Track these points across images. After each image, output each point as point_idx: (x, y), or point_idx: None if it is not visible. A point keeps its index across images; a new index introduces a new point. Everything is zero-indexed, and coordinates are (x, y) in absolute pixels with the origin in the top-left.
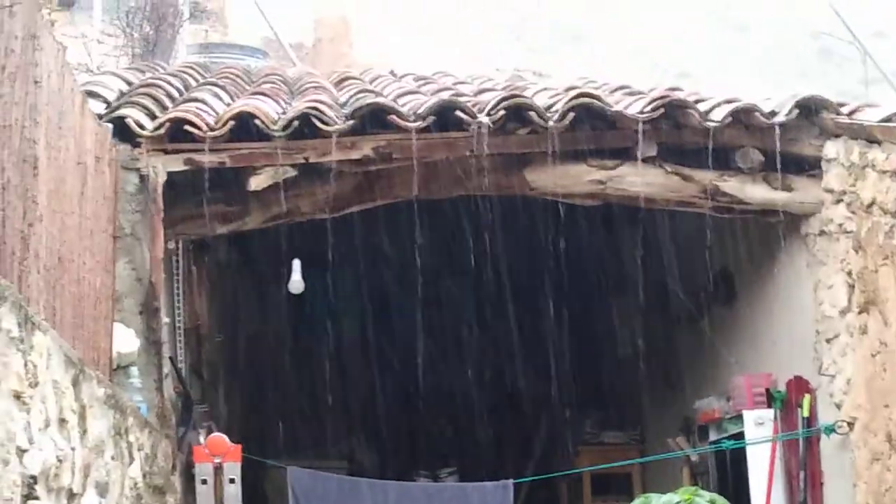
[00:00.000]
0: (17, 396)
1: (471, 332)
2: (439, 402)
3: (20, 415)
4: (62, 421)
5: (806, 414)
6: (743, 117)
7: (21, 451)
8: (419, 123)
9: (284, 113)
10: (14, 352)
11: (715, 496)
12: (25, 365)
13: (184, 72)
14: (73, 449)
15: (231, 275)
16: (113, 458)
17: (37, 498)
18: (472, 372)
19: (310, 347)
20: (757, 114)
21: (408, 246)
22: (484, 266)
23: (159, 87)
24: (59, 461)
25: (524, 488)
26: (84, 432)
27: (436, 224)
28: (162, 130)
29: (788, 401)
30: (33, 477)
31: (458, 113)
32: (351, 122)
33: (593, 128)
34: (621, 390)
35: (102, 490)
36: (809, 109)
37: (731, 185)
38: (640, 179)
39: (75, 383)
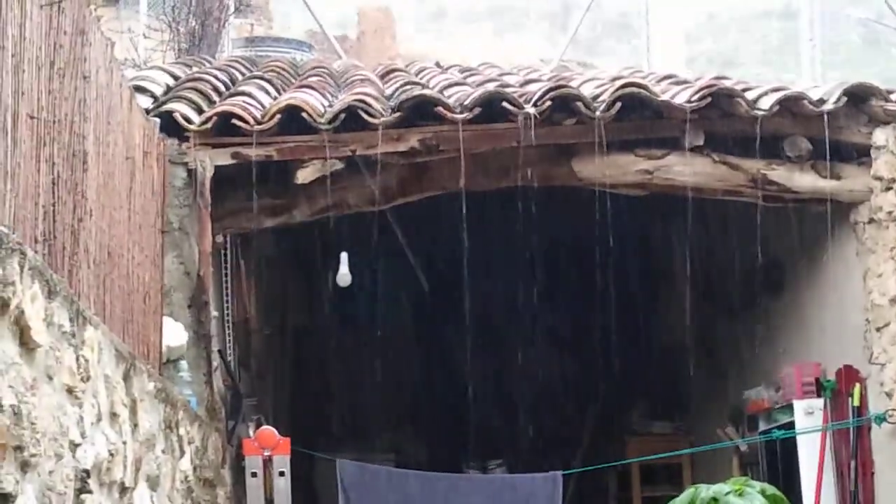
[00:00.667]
0: (70, 391)
1: (519, 324)
2: (487, 394)
3: (72, 409)
4: (113, 415)
5: (856, 403)
6: (791, 105)
7: (74, 446)
8: (465, 115)
9: (331, 106)
10: (66, 346)
11: (766, 486)
12: (77, 359)
13: (230, 66)
14: (124, 443)
15: (279, 268)
16: (164, 451)
17: (90, 492)
18: (520, 363)
19: (357, 340)
20: (805, 102)
21: (455, 238)
22: (532, 258)
23: (206, 81)
24: (111, 455)
25: (572, 480)
26: (135, 426)
27: (483, 216)
28: (209, 125)
29: (838, 390)
30: (86, 471)
31: (505, 104)
32: (397, 114)
33: (640, 118)
34: (669, 380)
35: (154, 483)
36: (857, 97)
37: (779, 174)
38: (687, 169)
39: (126, 377)
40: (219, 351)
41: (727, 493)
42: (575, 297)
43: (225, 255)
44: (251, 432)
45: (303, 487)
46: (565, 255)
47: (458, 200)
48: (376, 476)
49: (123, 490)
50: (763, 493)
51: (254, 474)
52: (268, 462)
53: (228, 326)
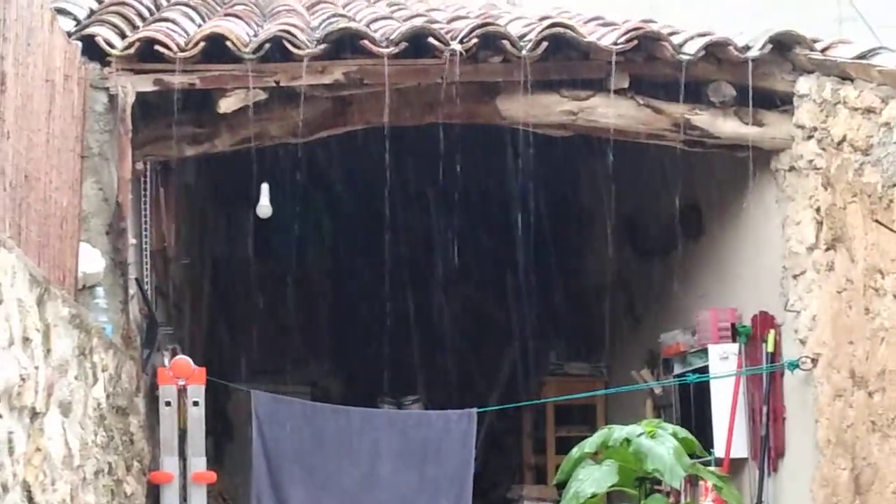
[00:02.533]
0: None
1: (438, 261)
2: (405, 331)
3: None
4: (26, 340)
5: (770, 349)
6: (716, 51)
7: None
8: (391, 49)
9: (256, 35)
10: None
11: (678, 429)
12: None
13: None
14: (36, 368)
15: (199, 198)
16: (77, 378)
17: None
18: (438, 300)
19: (276, 273)
20: (730, 48)
21: (376, 172)
22: (452, 195)
23: (130, 6)
24: (23, 380)
25: (488, 418)
26: (48, 351)
27: (404, 151)
28: (132, 50)
29: (753, 336)
30: None
31: (431, 40)
32: (323, 46)
33: (566, 58)
34: (587, 322)
35: (66, 410)
36: (783, 45)
37: (703, 119)
38: (611, 111)
39: (40, 302)
40: (136, 279)
41: (639, 435)
42: (495, 236)
43: (145, 182)
44: (166, 361)
45: (217, 418)
46: (487, 195)
47: (380, 135)
48: (291, 408)
49: (34, 415)
50: (675, 435)
51: (167, 403)
52: (182, 391)
53: (146, 255)
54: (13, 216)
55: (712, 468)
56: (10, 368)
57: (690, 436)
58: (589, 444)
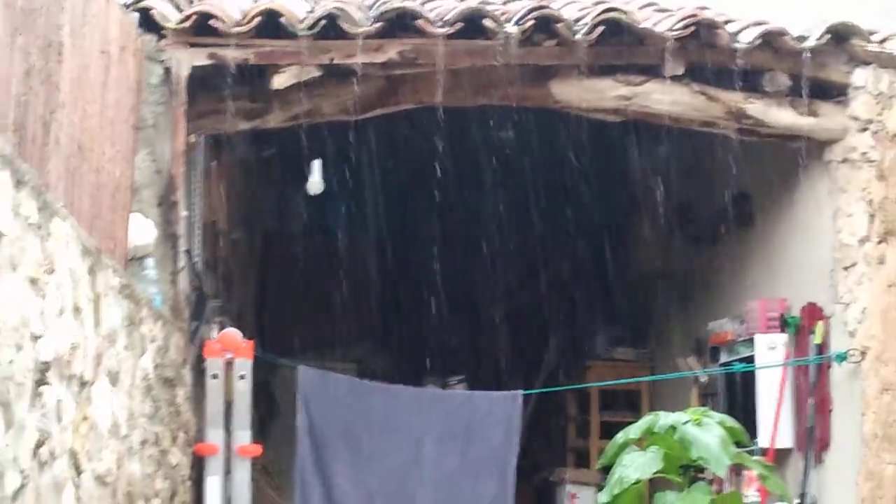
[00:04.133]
0: (34, 282)
1: (488, 243)
2: (453, 311)
3: (36, 301)
4: (76, 309)
5: (818, 341)
6: (772, 40)
7: (35, 337)
8: (446, 30)
9: (311, 12)
10: (32, 237)
11: (724, 417)
12: (43, 251)
13: None
14: (86, 337)
15: (251, 172)
16: (125, 348)
17: (48, 384)
18: (487, 283)
19: (325, 250)
20: (786, 38)
21: (429, 152)
22: (505, 177)
23: None
24: (73, 349)
25: (532, 400)
26: (98, 321)
27: (458, 132)
28: (187, 24)
29: (802, 327)
30: (46, 363)
31: (486, 21)
32: (377, 24)
33: (621, 43)
34: (635, 308)
35: (114, 379)
36: (840, 35)
37: (757, 108)
38: (665, 97)
39: (91, 272)
40: (186, 251)
41: (686, 422)
42: (545, 219)
43: (197, 155)
44: (214, 334)
45: (264, 392)
46: (538, 177)
47: (433, 115)
48: (337, 384)
49: (83, 384)
50: (722, 424)
51: (214, 376)
52: (229, 365)
53: (197, 227)
54: (66, 186)
55: (757, 458)
56: (61, 337)
57: (737, 425)
58: (634, 430)
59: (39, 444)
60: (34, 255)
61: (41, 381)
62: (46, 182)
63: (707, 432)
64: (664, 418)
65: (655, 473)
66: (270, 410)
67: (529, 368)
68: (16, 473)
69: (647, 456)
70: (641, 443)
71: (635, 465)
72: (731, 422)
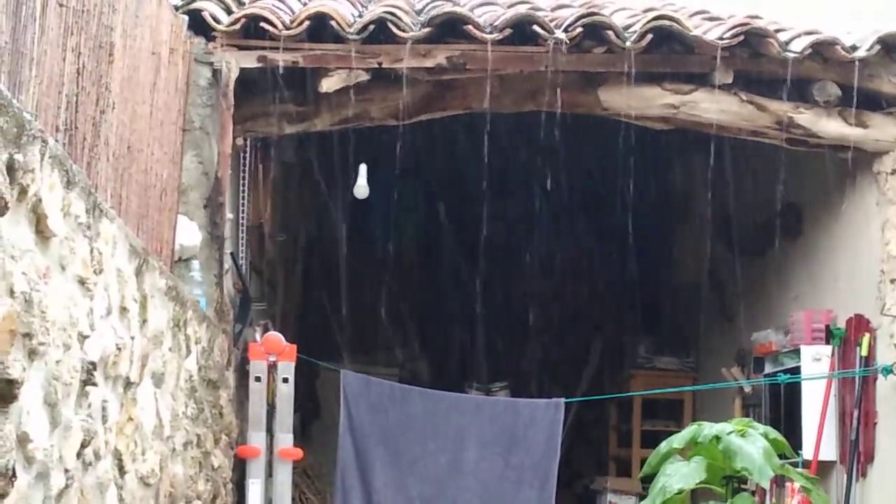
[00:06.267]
0: (82, 282)
1: (532, 250)
2: (496, 317)
3: (83, 301)
4: (123, 309)
5: (864, 353)
6: (823, 50)
7: (82, 337)
8: (495, 35)
9: (360, 16)
10: (81, 237)
11: (768, 429)
12: (91, 251)
13: None
14: (132, 338)
15: (296, 176)
16: (170, 349)
17: (95, 384)
18: (529, 289)
19: (370, 254)
20: (837, 47)
21: (474, 159)
22: (550, 185)
23: None
24: (119, 349)
25: (574, 408)
26: (144, 322)
27: (501, 138)
28: (237, 26)
29: (847, 339)
30: (93, 363)
31: (535, 27)
32: (426, 29)
33: (670, 51)
34: (679, 317)
35: (158, 380)
36: (890, 46)
37: (806, 118)
38: (714, 106)
39: (138, 273)
40: (231, 253)
41: (730, 433)
42: (590, 227)
43: (244, 158)
44: (258, 337)
45: (306, 396)
46: (584, 185)
47: (480, 122)
48: (380, 389)
49: (128, 385)
50: (765, 436)
51: (258, 378)
52: (272, 368)
53: (243, 230)
54: (115, 186)
55: (801, 470)
56: (107, 338)
57: (781, 436)
58: (678, 440)
59: (84, 445)
60: (83, 255)
61: (87, 382)
62: (95, 183)
63: (751, 443)
64: (708, 429)
65: (698, 484)
66: (313, 414)
67: (572, 376)
68: (61, 473)
69: (690, 466)
70: (685, 453)
71: (679, 475)
72: (774, 433)
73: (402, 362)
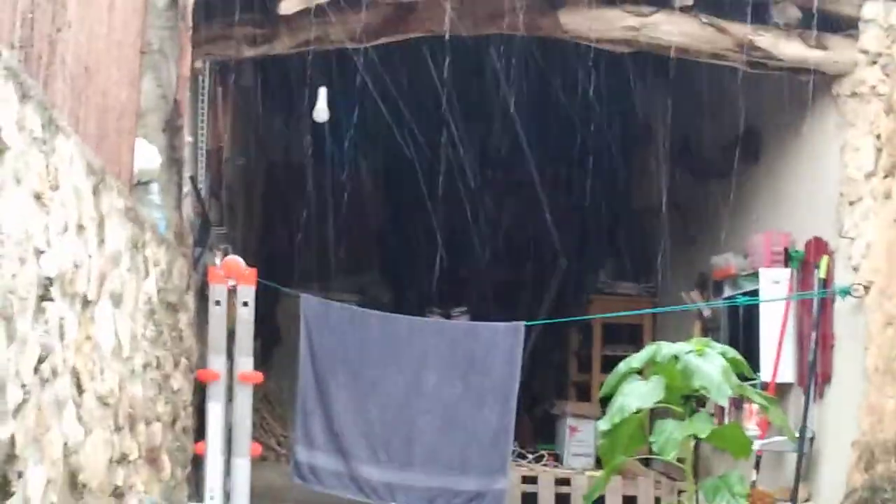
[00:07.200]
0: (38, 197)
1: (490, 175)
2: (455, 242)
3: (39, 216)
4: (80, 227)
5: (823, 275)
6: None
7: (38, 252)
8: None
9: None
10: (36, 152)
11: (727, 348)
12: (47, 167)
13: None
14: (89, 256)
15: (256, 100)
16: (128, 270)
17: (51, 300)
18: (489, 214)
19: (329, 179)
20: None
21: (433, 84)
22: (507, 108)
23: None
24: (76, 266)
25: (535, 332)
26: (101, 241)
27: (462, 64)
28: None
29: (806, 261)
30: (49, 279)
31: None
32: None
33: None
34: (639, 242)
35: (116, 301)
36: None
37: (766, 41)
38: (674, 28)
39: (96, 192)
40: (190, 177)
41: (688, 352)
42: (550, 152)
43: (203, 81)
44: (218, 261)
45: (266, 322)
46: (542, 109)
47: (441, 45)
48: (340, 313)
49: (86, 303)
50: (724, 354)
51: (217, 302)
52: (232, 291)
53: (202, 154)
54: (72, 106)
55: (758, 390)
56: (64, 254)
57: (739, 356)
58: (636, 360)
59: (41, 360)
60: (38, 170)
61: (44, 297)
62: (52, 101)
63: (709, 362)
64: (667, 348)
65: (657, 403)
66: (273, 341)
67: (532, 301)
68: (17, 388)
69: (648, 385)
70: (644, 374)
71: (637, 394)
72: (732, 353)
73: (364, 287)
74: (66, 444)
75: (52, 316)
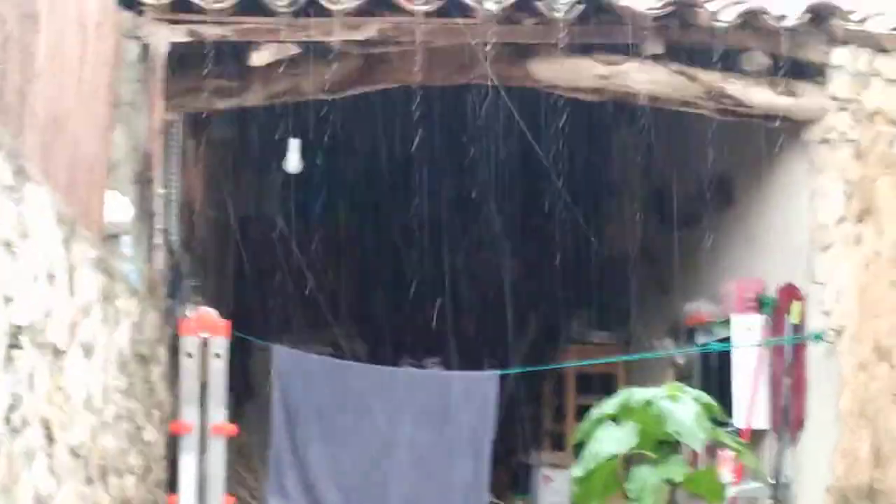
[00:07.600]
0: (7, 245)
1: (463, 225)
2: (428, 293)
3: (9, 264)
4: (51, 276)
5: (795, 321)
6: (752, 20)
7: (7, 300)
8: (426, 7)
9: None
10: (6, 200)
11: (700, 393)
12: (18, 215)
13: None
14: (60, 306)
15: (228, 152)
16: (100, 321)
17: (21, 347)
18: (462, 265)
19: (302, 232)
20: (766, 17)
21: (405, 134)
22: (479, 159)
23: None
24: (46, 316)
25: (509, 384)
26: (72, 291)
27: (434, 113)
28: (166, 0)
29: (778, 307)
30: (18, 327)
31: None
32: (357, 2)
33: (601, 22)
34: (611, 292)
35: (88, 351)
36: (819, 15)
37: (736, 88)
38: (644, 76)
39: (66, 242)
40: (163, 229)
41: (661, 397)
42: (522, 201)
43: (175, 134)
44: (190, 313)
45: (238, 374)
46: (514, 159)
47: (411, 95)
48: (312, 365)
49: (57, 353)
50: (697, 400)
51: (189, 354)
52: (204, 344)
53: (174, 206)
54: (42, 157)
55: (732, 435)
56: (35, 303)
57: (712, 401)
58: (609, 405)
59: (12, 409)
60: (8, 217)
61: (14, 346)
62: (22, 151)
63: (682, 407)
64: (639, 393)
65: (631, 449)
66: (247, 394)
67: (506, 351)
68: None
69: (622, 430)
70: (617, 420)
71: (610, 440)
72: (706, 398)
73: (337, 339)
74: (36, 494)
75: (23, 364)
